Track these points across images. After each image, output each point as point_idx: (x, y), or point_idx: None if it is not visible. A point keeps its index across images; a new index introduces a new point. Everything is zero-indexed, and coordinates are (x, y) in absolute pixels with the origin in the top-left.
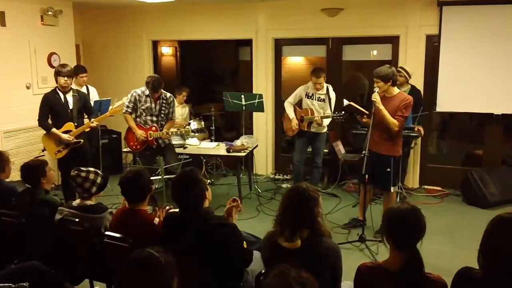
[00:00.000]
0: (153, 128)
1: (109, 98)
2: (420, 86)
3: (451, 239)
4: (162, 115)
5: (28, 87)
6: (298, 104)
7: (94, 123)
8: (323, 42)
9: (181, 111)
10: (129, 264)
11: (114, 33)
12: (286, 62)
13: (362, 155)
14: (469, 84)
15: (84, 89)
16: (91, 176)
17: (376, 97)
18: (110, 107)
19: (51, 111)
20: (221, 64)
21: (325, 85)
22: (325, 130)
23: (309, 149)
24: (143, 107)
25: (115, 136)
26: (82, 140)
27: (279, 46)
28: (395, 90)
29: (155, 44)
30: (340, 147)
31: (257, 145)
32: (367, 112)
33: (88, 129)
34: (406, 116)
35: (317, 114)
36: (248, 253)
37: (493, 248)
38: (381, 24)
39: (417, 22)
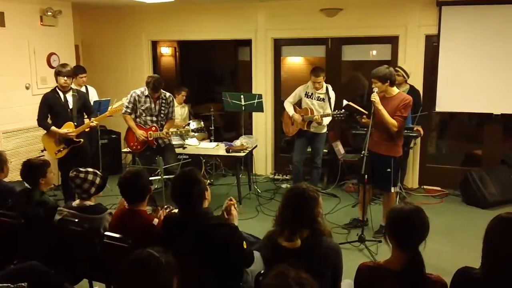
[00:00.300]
0: (153, 128)
1: (108, 99)
2: (419, 86)
3: (451, 239)
4: (162, 115)
5: (27, 88)
6: (298, 104)
7: (94, 122)
8: (323, 42)
9: (180, 111)
10: (129, 264)
11: (114, 34)
12: (285, 62)
13: (362, 155)
14: (469, 84)
15: (83, 89)
16: (90, 176)
17: (375, 97)
18: (110, 107)
19: (51, 111)
20: (220, 64)
21: (324, 84)
22: (324, 130)
23: (309, 149)
24: (142, 108)
25: (114, 136)
26: (82, 140)
27: (279, 46)
28: (395, 90)
29: (155, 44)
30: (339, 147)
31: (256, 145)
32: (366, 112)
33: (88, 129)
34: (405, 116)
35: (316, 114)
36: (248, 254)
37: (493, 248)
38: (380, 24)
39: (416, 22)
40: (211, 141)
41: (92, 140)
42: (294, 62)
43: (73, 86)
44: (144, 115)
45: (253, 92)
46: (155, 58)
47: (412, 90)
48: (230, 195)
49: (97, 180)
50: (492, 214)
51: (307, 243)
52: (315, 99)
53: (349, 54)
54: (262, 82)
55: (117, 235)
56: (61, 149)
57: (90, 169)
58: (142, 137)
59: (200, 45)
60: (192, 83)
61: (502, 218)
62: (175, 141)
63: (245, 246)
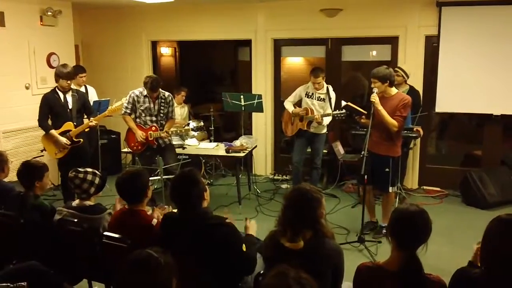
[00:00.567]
0: (153, 128)
1: (108, 99)
2: (419, 86)
3: (450, 239)
4: (162, 115)
5: (27, 87)
6: (298, 104)
7: (93, 122)
8: (323, 43)
9: (180, 111)
10: (129, 264)
11: (113, 34)
12: (285, 62)
13: (362, 156)
14: (468, 84)
15: (83, 89)
16: (89, 177)
17: (374, 97)
18: (109, 108)
19: (51, 111)
20: (220, 65)
21: (325, 85)
22: (324, 130)
23: (308, 150)
24: (142, 108)
25: (114, 136)
26: (82, 140)
27: (279, 46)
28: (393, 90)
29: (154, 45)
30: (339, 148)
31: (256, 146)
32: (365, 112)
33: (88, 129)
34: (405, 116)
35: (317, 114)
36: (248, 257)
37: (492, 249)
38: (380, 24)
39: (416, 23)
40: (210, 141)
41: (91, 140)
42: (294, 62)
43: (72, 86)
44: (143, 115)
45: (253, 92)
46: (155, 58)
47: (412, 91)
48: (230, 195)
49: (97, 180)
50: (492, 215)
51: (310, 244)
52: (315, 99)
53: (349, 55)
54: (262, 83)
55: (116, 235)
56: (61, 149)
57: (89, 169)
58: (141, 138)
59: (200, 45)
60: (192, 83)
61: (501, 220)
62: (175, 141)
63: (244, 249)
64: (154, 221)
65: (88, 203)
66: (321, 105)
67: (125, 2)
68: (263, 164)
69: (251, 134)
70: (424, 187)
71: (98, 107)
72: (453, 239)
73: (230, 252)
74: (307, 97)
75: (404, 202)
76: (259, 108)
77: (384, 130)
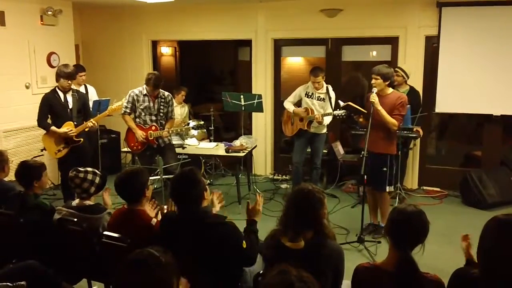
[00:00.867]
0: (153, 128)
1: (108, 98)
2: (419, 87)
3: (450, 240)
4: (161, 114)
5: (27, 87)
6: (298, 104)
7: (92, 122)
8: (323, 43)
9: (180, 111)
10: (130, 263)
11: (114, 33)
12: (285, 62)
13: (361, 156)
14: (468, 85)
15: (82, 88)
16: (89, 176)
17: (374, 98)
18: (109, 107)
19: (51, 110)
20: (220, 64)
21: (324, 84)
22: (324, 130)
23: (308, 150)
24: (141, 107)
25: (114, 136)
26: (82, 139)
27: (279, 46)
28: (389, 89)
29: (155, 44)
30: (339, 148)
31: (256, 146)
32: (365, 111)
33: (87, 128)
34: (404, 115)
35: (317, 113)
36: (249, 252)
37: (489, 249)
38: (380, 25)
39: (416, 23)
40: (210, 141)
41: (91, 139)
42: (294, 62)
43: (73, 86)
44: (143, 114)
45: (253, 92)
46: (155, 57)
47: (412, 91)
48: (230, 195)
49: (97, 180)
50: (491, 215)
51: (311, 244)
52: (315, 99)
53: (349, 55)
54: (262, 82)
55: (115, 235)
56: (61, 149)
57: (89, 169)
58: (141, 138)
59: (200, 45)
60: (192, 83)
61: (498, 220)
62: (175, 141)
63: (244, 246)
64: (154, 220)
65: (88, 202)
66: (321, 104)
67: (125, 2)
68: (263, 164)
69: (251, 134)
70: (424, 188)
71: (98, 107)
72: (453, 239)
73: (231, 251)
74: (307, 97)
75: (404, 202)
76: (259, 108)
77: (382, 129)
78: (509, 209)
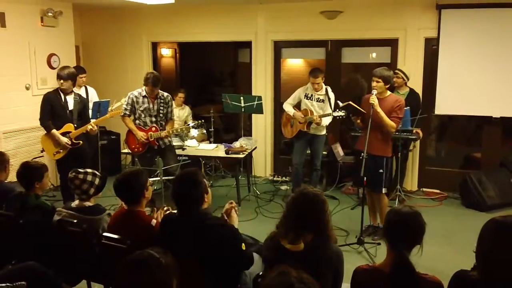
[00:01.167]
0: (153, 129)
1: (108, 100)
2: (418, 89)
3: (449, 241)
4: (161, 115)
5: (27, 88)
6: (297, 106)
7: (92, 125)
8: (322, 45)
9: (179, 113)
10: (129, 264)
11: (114, 35)
12: (285, 64)
13: (361, 158)
14: (468, 87)
15: (83, 90)
16: (89, 177)
17: (374, 99)
18: (109, 108)
19: (51, 110)
20: (220, 66)
21: (324, 86)
22: (324, 132)
23: (308, 151)
24: (141, 108)
25: (114, 137)
26: (81, 142)
27: (279, 48)
28: (388, 92)
29: (155, 46)
30: (338, 150)
31: (256, 147)
32: (365, 112)
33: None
34: (401, 118)
35: (316, 114)
36: (247, 255)
37: (487, 250)
38: (380, 26)
39: (416, 25)
40: (210, 142)
41: (91, 141)
42: (294, 64)
43: (75, 90)
44: (143, 116)
45: (253, 94)
46: (155, 59)
47: (412, 93)
48: (230, 197)
49: (96, 181)
50: (491, 217)
51: (310, 246)
52: (315, 100)
53: (349, 57)
54: (262, 84)
55: (115, 236)
56: (60, 151)
57: (89, 170)
58: (143, 139)
59: (200, 46)
60: (192, 84)
61: (496, 221)
62: (175, 142)
63: (243, 248)
64: (154, 221)
65: (87, 204)
66: (320, 106)
67: (125, 4)
68: (262, 165)
69: (251, 136)
70: (424, 189)
71: (98, 108)
72: (452, 241)
73: (230, 253)
74: (307, 99)
75: (403, 204)
76: (259, 110)
77: (379, 131)
78: (509, 211)
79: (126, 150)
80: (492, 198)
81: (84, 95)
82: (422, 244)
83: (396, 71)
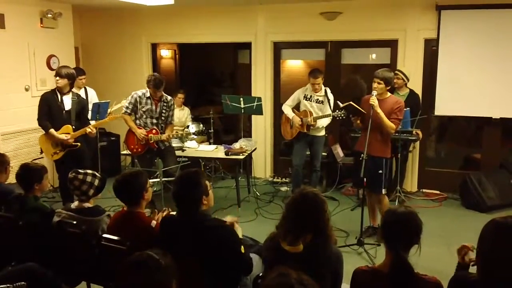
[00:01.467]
0: (154, 131)
1: (108, 101)
2: (418, 89)
3: (449, 242)
4: (163, 118)
5: (27, 89)
6: (297, 107)
7: (91, 128)
8: (322, 46)
9: (179, 114)
10: (129, 266)
11: (114, 36)
12: (285, 65)
13: (361, 159)
14: (468, 87)
15: (82, 91)
16: (89, 178)
17: (374, 100)
18: (109, 110)
19: (48, 111)
20: (220, 67)
21: (323, 87)
22: (323, 132)
23: (308, 152)
24: (143, 109)
25: (113, 138)
26: (79, 144)
27: (278, 49)
28: (388, 93)
29: (154, 47)
30: (338, 151)
31: (255, 148)
32: (365, 112)
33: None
34: (401, 119)
35: (309, 118)
36: (245, 258)
37: (487, 251)
38: (379, 27)
39: (416, 26)
40: (210, 143)
41: (90, 142)
42: (294, 65)
43: (74, 89)
44: (144, 117)
45: (253, 95)
46: (155, 60)
47: (412, 94)
48: (229, 198)
49: (96, 182)
50: (491, 218)
51: (310, 247)
52: (314, 101)
53: (348, 58)
54: (261, 85)
55: (115, 237)
56: (58, 152)
57: (89, 171)
58: (142, 135)
59: (200, 47)
60: (192, 85)
61: (496, 222)
62: (174, 143)
63: (243, 251)
64: (153, 223)
65: (87, 205)
66: (319, 107)
67: (125, 5)
68: (262, 166)
69: (251, 137)
70: (424, 190)
71: (97, 109)
72: (452, 241)
73: (229, 254)
74: (306, 100)
75: (403, 204)
76: (259, 111)
77: (379, 132)
78: (509, 212)
79: (125, 152)
80: (492, 199)
81: (83, 96)
82: (420, 244)
83: (396, 72)
